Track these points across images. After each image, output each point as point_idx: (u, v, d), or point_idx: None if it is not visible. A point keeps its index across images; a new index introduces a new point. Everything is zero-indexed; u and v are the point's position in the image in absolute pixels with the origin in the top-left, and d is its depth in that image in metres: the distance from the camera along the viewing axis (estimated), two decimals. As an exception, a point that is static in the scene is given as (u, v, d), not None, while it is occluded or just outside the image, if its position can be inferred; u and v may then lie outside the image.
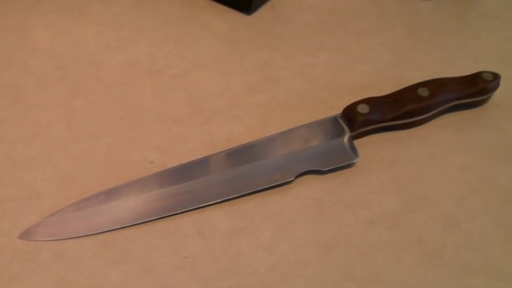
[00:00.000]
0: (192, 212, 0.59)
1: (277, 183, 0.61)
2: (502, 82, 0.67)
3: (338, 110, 0.66)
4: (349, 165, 0.63)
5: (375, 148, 0.65)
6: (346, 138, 0.63)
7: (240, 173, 0.61)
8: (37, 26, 0.78)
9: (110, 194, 0.60)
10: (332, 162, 0.62)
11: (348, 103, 0.65)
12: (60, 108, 0.68)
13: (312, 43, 0.76)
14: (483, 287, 0.54)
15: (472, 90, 0.66)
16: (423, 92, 0.65)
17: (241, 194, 0.60)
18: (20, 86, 0.71)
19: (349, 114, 0.64)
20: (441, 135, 0.66)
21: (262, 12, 0.81)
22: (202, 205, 0.60)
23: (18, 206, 0.60)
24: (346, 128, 0.64)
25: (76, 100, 0.69)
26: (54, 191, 0.61)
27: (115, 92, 0.70)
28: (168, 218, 0.59)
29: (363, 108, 0.64)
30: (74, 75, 0.72)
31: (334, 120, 0.65)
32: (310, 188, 0.61)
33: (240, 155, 0.63)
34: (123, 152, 0.64)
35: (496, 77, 0.67)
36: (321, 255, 0.56)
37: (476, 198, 0.61)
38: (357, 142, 0.64)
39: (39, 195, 0.61)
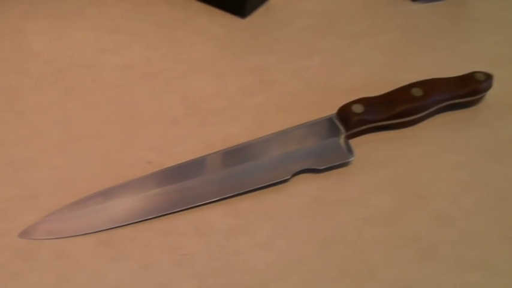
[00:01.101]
0: (188, 211, 0.60)
1: (273, 182, 0.61)
2: (495, 83, 0.68)
3: (332, 111, 0.66)
4: (345, 164, 0.63)
5: (370, 148, 0.65)
6: (341, 138, 0.64)
7: (236, 172, 0.62)
8: (33, 30, 0.79)
9: (108, 193, 0.61)
10: (328, 161, 0.63)
11: (342, 104, 0.66)
12: (56, 110, 0.69)
13: (305, 46, 0.77)
14: (478, 283, 0.55)
15: (465, 90, 0.67)
16: (417, 92, 0.65)
17: (237, 193, 0.61)
18: (17, 89, 0.71)
19: (344, 114, 0.64)
20: (434, 135, 0.66)
21: (256, 16, 0.81)
22: (199, 204, 0.60)
23: (17, 206, 0.60)
24: (341, 127, 0.64)
25: (72, 102, 0.70)
26: (52, 191, 0.61)
27: (111, 95, 0.71)
28: (165, 216, 0.59)
29: (358, 108, 0.64)
30: (70, 78, 0.72)
31: (329, 120, 0.65)
32: (306, 187, 0.62)
33: (236, 154, 0.63)
34: (120, 152, 0.65)
35: (488, 77, 0.67)
36: (317, 252, 0.56)
37: (470, 196, 0.61)
38: (351, 142, 0.65)
39: (37, 195, 0.61)
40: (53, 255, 0.57)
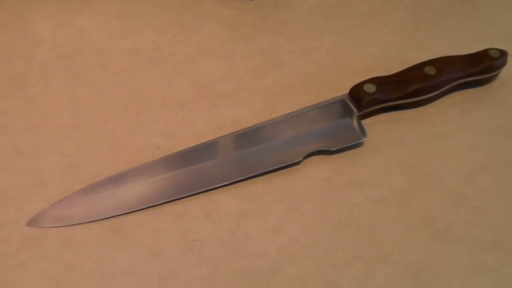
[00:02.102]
0: (199, 195, 0.59)
1: (285, 165, 0.61)
2: (509, 60, 0.67)
3: (344, 92, 0.65)
4: (357, 145, 0.62)
5: (382, 128, 0.64)
6: (353, 118, 0.63)
7: (247, 155, 0.61)
8: (39, 17, 0.78)
9: (116, 179, 0.60)
10: (340, 142, 0.62)
11: (353, 84, 0.65)
12: (64, 96, 0.68)
13: (315, 27, 0.76)
14: (494, 264, 0.54)
15: (479, 67, 0.66)
16: (430, 70, 0.64)
17: (248, 176, 0.60)
18: (23, 77, 0.70)
19: (356, 94, 0.63)
20: (448, 114, 0.65)
21: (264, -2, 0.80)
22: (210, 188, 0.59)
23: (25, 193, 0.60)
24: (353, 108, 0.63)
25: (80, 88, 0.69)
26: (60, 178, 0.61)
27: (119, 79, 0.70)
28: (175, 201, 0.59)
29: (370, 88, 0.63)
30: (77, 64, 0.72)
31: (341, 100, 0.64)
32: (319, 169, 0.61)
33: (247, 137, 0.63)
34: (129, 137, 0.64)
35: (503, 54, 0.66)
36: (330, 235, 0.56)
37: (485, 175, 0.60)
38: (364, 122, 0.64)
39: (45, 182, 0.61)
40: (61, 243, 0.56)
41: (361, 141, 0.62)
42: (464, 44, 0.73)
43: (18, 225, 0.57)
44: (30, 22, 0.77)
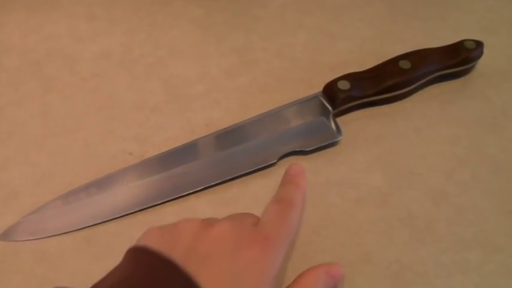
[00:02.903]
0: (173, 201, 0.58)
1: (260, 167, 0.59)
2: (486, 51, 0.66)
3: (319, 89, 0.64)
4: (333, 144, 0.61)
5: (359, 125, 0.63)
6: (328, 117, 0.62)
7: (221, 159, 0.60)
8: (8, 23, 0.76)
9: (88, 188, 0.59)
10: (315, 142, 0.61)
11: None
12: (34, 104, 0.67)
13: (289, 23, 0.75)
14: (478, 261, 0.53)
15: (455, 59, 0.65)
16: (405, 64, 0.63)
17: (223, 179, 0.59)
18: (-8, 85, 0.69)
19: (330, 92, 0.62)
20: (426, 108, 0.64)
21: (237, -5, 0.79)
22: (184, 194, 0.58)
23: (-4, 206, 0.58)
24: (327, 105, 0.62)
25: (50, 95, 0.68)
26: (32, 189, 0.60)
27: (90, 84, 0.69)
28: (149, 209, 0.57)
29: (344, 85, 0.62)
30: (47, 70, 0.70)
31: (315, 98, 0.63)
32: (294, 170, 0.60)
33: (220, 140, 0.62)
34: (101, 144, 0.63)
35: (479, 45, 0.65)
36: (309, 238, 0.54)
37: (466, 170, 0.59)
38: (339, 119, 0.63)
39: (17, 194, 0.59)
40: (35, 256, 0.55)
41: (336, 140, 0.61)
42: (442, 35, 0.72)
43: (-12, 239, 0.56)
44: (-2, 28, 0.76)
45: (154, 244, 0.44)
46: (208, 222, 0.46)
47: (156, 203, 0.58)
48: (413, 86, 0.64)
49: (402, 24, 0.74)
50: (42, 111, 0.66)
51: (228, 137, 0.62)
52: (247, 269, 0.42)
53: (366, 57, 0.69)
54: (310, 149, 0.60)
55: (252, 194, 0.58)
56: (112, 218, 0.57)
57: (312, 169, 0.60)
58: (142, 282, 0.41)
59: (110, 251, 0.55)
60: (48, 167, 0.61)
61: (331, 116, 0.62)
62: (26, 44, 0.74)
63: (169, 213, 0.57)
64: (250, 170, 0.59)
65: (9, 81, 0.69)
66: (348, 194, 0.58)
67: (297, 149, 0.60)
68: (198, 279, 0.40)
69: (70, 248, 0.55)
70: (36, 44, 0.74)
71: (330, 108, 0.62)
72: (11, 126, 0.65)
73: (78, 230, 0.56)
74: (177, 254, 0.42)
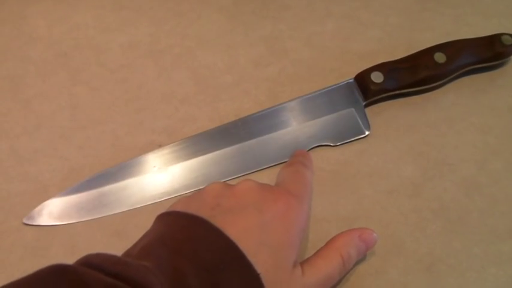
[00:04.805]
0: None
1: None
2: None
3: (349, 78, 0.63)
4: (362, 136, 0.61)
5: (389, 115, 0.62)
6: (358, 108, 0.61)
7: (250, 149, 0.60)
8: (34, 14, 0.76)
9: (115, 175, 0.60)
10: (343, 137, 0.60)
11: (360, 70, 0.63)
12: (62, 96, 0.67)
13: (317, 11, 0.74)
14: (510, 253, 0.53)
15: (491, 53, 0.63)
16: (440, 58, 0.62)
17: (252, 171, 0.59)
18: (20, 77, 0.69)
19: (362, 82, 0.62)
20: (458, 98, 0.63)
21: (264, -17, 0.78)
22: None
23: (26, 200, 0.59)
24: (358, 96, 0.61)
25: (78, 87, 0.67)
26: (61, 183, 0.60)
27: (118, 76, 0.68)
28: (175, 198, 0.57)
29: (377, 77, 0.61)
30: (74, 61, 0.70)
31: (346, 87, 0.63)
32: (325, 161, 0.59)
33: (249, 127, 0.61)
34: (130, 136, 0.63)
35: (515, 40, 0.64)
36: (341, 230, 0.53)
37: (498, 160, 0.59)
38: (370, 109, 0.62)
39: (46, 187, 0.59)
40: (65, 250, 0.55)
41: (364, 135, 0.60)
42: (472, 21, 0.70)
43: (20, 234, 0.56)
44: (25, 20, 0.75)
45: (182, 208, 0.47)
46: (232, 184, 0.49)
47: (183, 193, 0.58)
48: (447, 79, 0.63)
49: (431, 11, 0.72)
50: (70, 103, 0.66)
51: (256, 124, 0.61)
52: (273, 221, 0.45)
53: (396, 45, 0.68)
54: (337, 144, 0.60)
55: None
56: (140, 205, 0.58)
57: (343, 160, 0.59)
58: (176, 238, 0.43)
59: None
60: (77, 160, 0.61)
61: (361, 108, 0.61)
62: (53, 36, 0.73)
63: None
64: (279, 163, 0.59)
65: (37, 73, 0.69)
66: (379, 185, 0.57)
67: (325, 144, 0.60)
68: (227, 231, 0.42)
69: (100, 241, 0.56)
70: (62, 35, 0.73)
71: (361, 99, 0.61)
72: (39, 118, 0.65)
73: (109, 223, 0.57)
74: (203, 212, 0.45)
